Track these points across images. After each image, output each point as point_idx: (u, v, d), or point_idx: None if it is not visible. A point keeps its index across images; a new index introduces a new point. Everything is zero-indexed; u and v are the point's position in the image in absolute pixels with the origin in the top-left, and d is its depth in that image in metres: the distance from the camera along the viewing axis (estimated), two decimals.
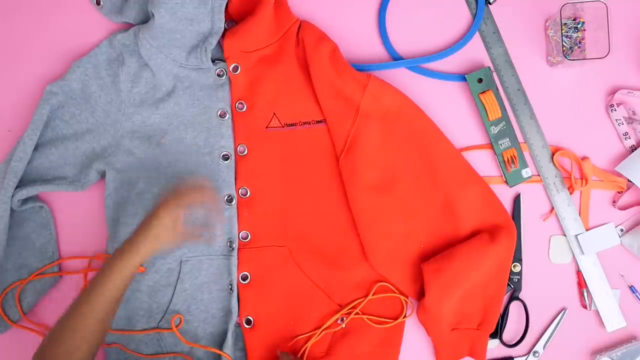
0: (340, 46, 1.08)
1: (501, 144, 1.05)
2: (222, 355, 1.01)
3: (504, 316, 1.05)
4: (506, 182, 1.06)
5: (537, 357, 1.06)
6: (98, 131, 1.06)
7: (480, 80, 1.05)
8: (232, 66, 1.04)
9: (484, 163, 1.07)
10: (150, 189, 1.05)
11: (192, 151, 1.05)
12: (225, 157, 1.05)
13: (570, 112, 1.07)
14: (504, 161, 1.05)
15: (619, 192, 1.06)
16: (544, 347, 1.06)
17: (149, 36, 1.02)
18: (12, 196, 1.01)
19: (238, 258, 1.05)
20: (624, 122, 1.06)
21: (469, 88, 1.05)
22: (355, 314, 1.04)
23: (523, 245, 1.06)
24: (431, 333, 1.02)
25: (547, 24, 1.07)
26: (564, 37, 1.05)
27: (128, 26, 1.09)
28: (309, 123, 1.05)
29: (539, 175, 1.06)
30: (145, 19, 1.06)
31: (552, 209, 1.06)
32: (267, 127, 1.06)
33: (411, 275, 1.03)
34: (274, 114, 1.06)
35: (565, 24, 1.05)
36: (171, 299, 1.03)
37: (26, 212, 1.06)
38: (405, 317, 1.05)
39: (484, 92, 1.05)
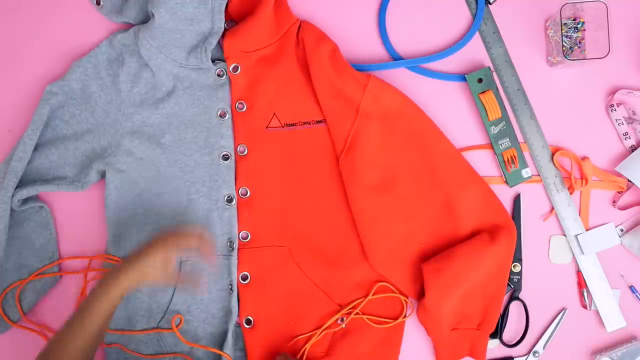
0: (340, 46, 1.08)
1: (501, 144, 1.05)
2: (222, 355, 1.01)
3: (504, 316, 1.05)
4: (506, 182, 1.06)
5: (537, 357, 1.06)
6: (98, 131, 1.06)
7: (480, 80, 1.05)
8: (232, 66, 1.04)
9: (484, 163, 1.07)
10: (150, 189, 1.05)
11: (192, 151, 1.05)
12: (225, 157, 1.05)
13: (570, 112, 1.07)
14: (504, 161, 1.05)
15: (619, 192, 1.06)
16: (544, 347, 1.06)
17: (149, 36, 1.02)
18: (12, 196, 1.01)
19: (238, 258, 1.05)
20: (624, 122, 1.06)
21: (469, 88, 1.05)
22: (355, 314, 1.04)
23: (523, 245, 1.06)
24: (431, 333, 1.02)
25: (547, 24, 1.07)
26: (564, 37, 1.05)
27: (128, 26, 1.09)
28: (309, 123, 1.05)
29: (539, 175, 1.06)
30: (145, 19, 1.06)
31: (552, 209, 1.06)
32: (267, 127, 1.06)
33: (411, 275, 1.03)
34: (274, 114, 1.06)
35: (565, 24, 1.05)
36: (171, 299, 1.03)
37: (26, 212, 1.06)
38: (405, 317, 1.05)
39: (484, 92, 1.05)
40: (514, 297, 1.05)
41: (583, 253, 1.05)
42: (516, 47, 1.08)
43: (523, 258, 1.06)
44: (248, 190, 1.05)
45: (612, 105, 1.06)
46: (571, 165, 1.06)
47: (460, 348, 1.03)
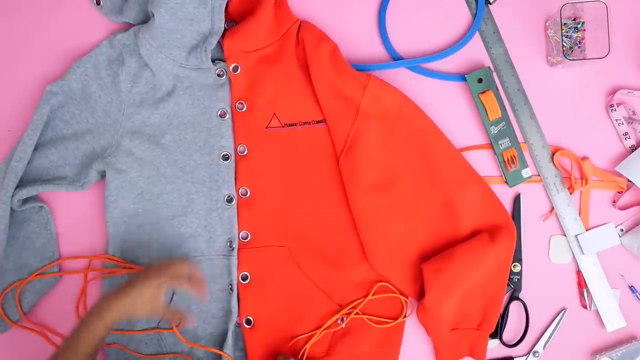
0: (340, 46, 1.08)
1: (501, 144, 1.05)
2: (222, 355, 1.01)
3: (504, 316, 1.05)
4: (506, 182, 1.06)
5: (537, 357, 1.06)
6: (98, 131, 1.06)
7: (480, 80, 1.05)
8: (232, 66, 1.04)
9: (484, 163, 1.07)
10: (150, 189, 1.05)
11: (192, 151, 1.05)
12: (225, 157, 1.05)
13: (570, 112, 1.07)
14: (504, 161, 1.05)
15: (619, 192, 1.06)
16: (544, 347, 1.06)
17: (149, 36, 1.02)
18: (12, 196, 1.01)
19: (238, 258, 1.05)
20: (624, 122, 1.06)
21: (469, 88, 1.05)
22: (355, 314, 1.04)
23: (523, 245, 1.06)
24: (431, 333, 1.02)
25: (547, 24, 1.07)
26: (564, 37, 1.05)
27: (128, 26, 1.09)
28: (309, 123, 1.05)
29: (539, 175, 1.06)
30: (145, 19, 1.06)
31: (552, 209, 1.06)
32: (267, 127, 1.06)
33: (411, 275, 1.03)
34: (274, 114, 1.06)
35: (565, 24, 1.05)
36: (171, 299, 1.03)
37: (26, 212, 1.06)
38: (405, 317, 1.05)
39: (484, 92, 1.05)
40: (514, 297, 1.05)
41: (583, 253, 1.05)
42: (516, 47, 1.08)
43: (523, 258, 1.06)
44: (248, 190, 1.05)
45: (612, 105, 1.06)
46: (571, 165, 1.06)
47: (460, 348, 1.03)
